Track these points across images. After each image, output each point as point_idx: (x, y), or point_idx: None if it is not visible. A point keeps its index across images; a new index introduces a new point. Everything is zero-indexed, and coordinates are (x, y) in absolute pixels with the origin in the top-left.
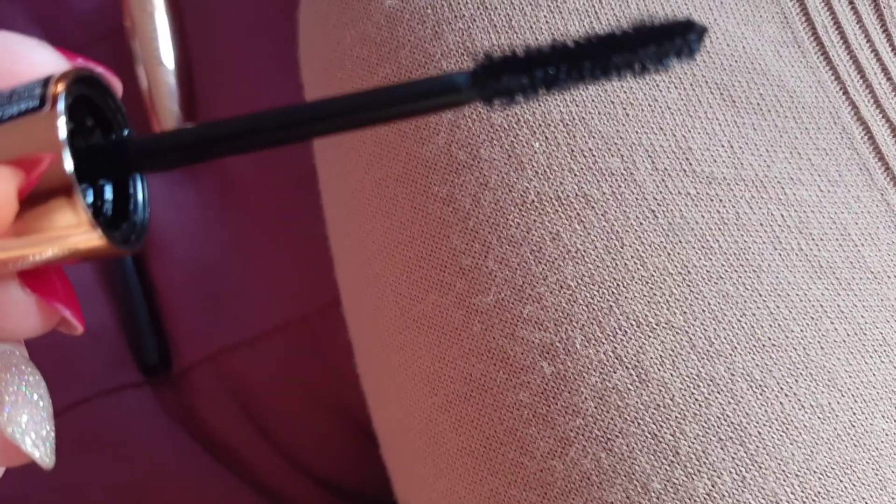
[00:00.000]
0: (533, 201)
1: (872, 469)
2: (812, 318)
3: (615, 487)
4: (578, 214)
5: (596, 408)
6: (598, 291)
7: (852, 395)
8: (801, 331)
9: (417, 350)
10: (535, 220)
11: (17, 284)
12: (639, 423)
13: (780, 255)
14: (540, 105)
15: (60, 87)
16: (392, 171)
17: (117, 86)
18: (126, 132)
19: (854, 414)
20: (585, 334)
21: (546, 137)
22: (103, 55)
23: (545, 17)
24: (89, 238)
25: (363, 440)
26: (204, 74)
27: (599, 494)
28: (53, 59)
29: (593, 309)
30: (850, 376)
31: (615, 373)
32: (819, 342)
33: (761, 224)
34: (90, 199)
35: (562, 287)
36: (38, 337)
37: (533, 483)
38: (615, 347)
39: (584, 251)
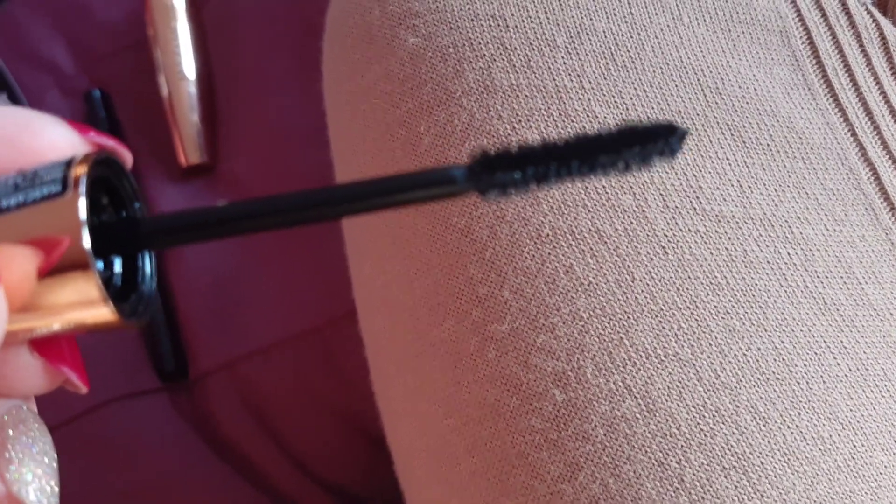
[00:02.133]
0: (548, 235)
1: (871, 500)
2: (815, 353)
3: None
4: (591, 249)
5: (605, 435)
6: (609, 323)
7: (853, 429)
8: (805, 365)
9: (433, 374)
10: (549, 254)
11: (27, 349)
12: (646, 451)
13: (785, 291)
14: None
15: (81, 172)
16: None
17: (129, 159)
18: (137, 207)
19: (854, 446)
20: (596, 364)
21: None
22: (126, 65)
23: (563, 58)
24: (101, 313)
25: (373, 449)
26: (224, 87)
27: None
28: (68, 135)
29: (604, 340)
30: (851, 410)
31: (624, 402)
32: (822, 376)
33: (768, 262)
34: (100, 270)
35: (574, 318)
36: None
37: None
38: (625, 378)
39: (597, 284)
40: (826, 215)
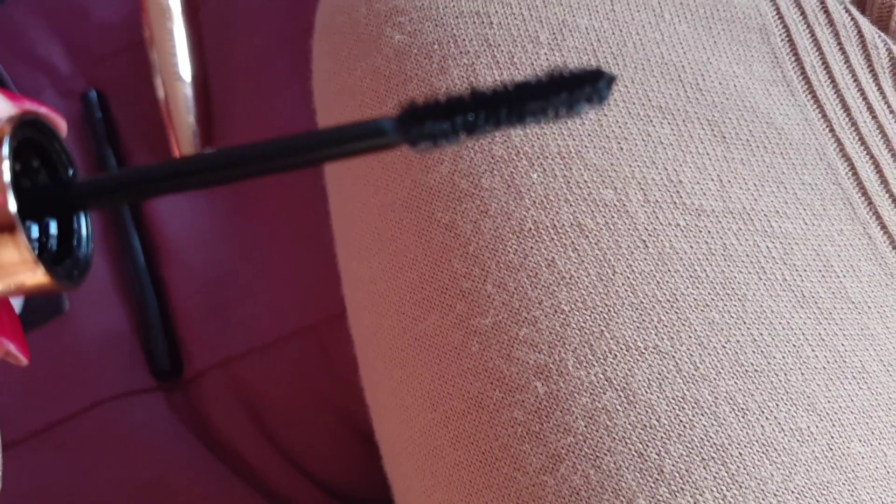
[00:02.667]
0: (530, 229)
1: (848, 490)
2: (794, 345)
3: (603, 503)
4: (573, 243)
5: (586, 427)
6: (590, 316)
7: (831, 420)
8: (783, 357)
9: (418, 368)
10: (531, 248)
11: None
12: (626, 443)
13: (764, 284)
14: (538, 138)
15: (5, 132)
16: (398, 196)
17: (62, 126)
18: (70, 172)
19: (832, 437)
20: (577, 357)
21: (544, 169)
22: (122, 67)
23: (545, 54)
24: (34, 275)
25: (368, 448)
26: (221, 89)
27: None
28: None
29: (585, 333)
30: (828, 401)
31: (605, 394)
32: (800, 368)
33: (747, 255)
34: (35, 234)
35: (556, 311)
36: (55, 340)
37: (525, 497)
38: (605, 370)
39: (578, 278)
40: (804, 209)
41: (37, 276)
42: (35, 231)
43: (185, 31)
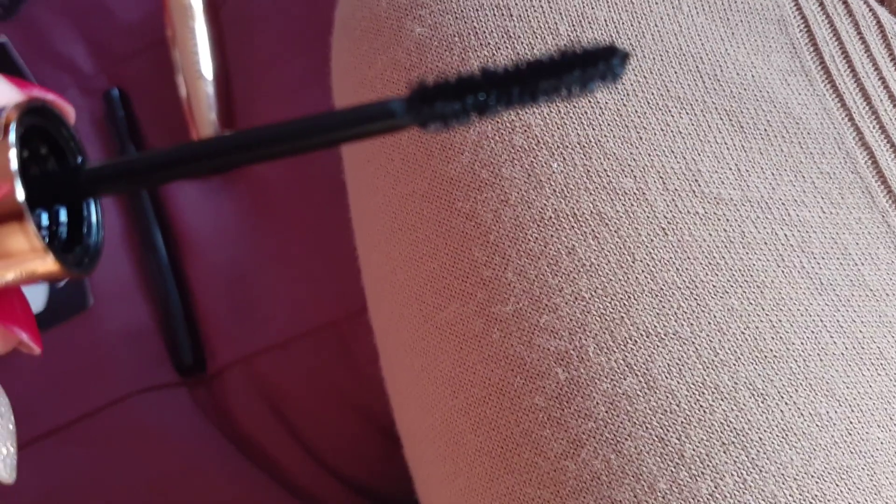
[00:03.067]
0: (551, 218)
1: (867, 475)
2: (812, 331)
3: (623, 487)
4: (593, 231)
5: (607, 412)
6: (610, 303)
7: (849, 405)
8: (802, 343)
9: (439, 355)
10: (552, 236)
11: None
12: (647, 427)
13: (782, 272)
14: (558, 128)
15: (12, 119)
16: (418, 187)
17: (70, 113)
18: (79, 159)
19: (851, 423)
20: (598, 343)
21: (564, 158)
22: (144, 66)
23: (565, 46)
24: (43, 262)
25: (388, 443)
26: (241, 86)
27: (609, 493)
28: (6, 90)
29: (606, 319)
30: (847, 387)
31: (625, 379)
32: (818, 354)
33: (765, 243)
34: (45, 222)
35: (576, 298)
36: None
37: (546, 482)
38: (626, 356)
39: (598, 265)
40: (822, 198)
41: (47, 264)
42: (45, 219)
43: (206, 30)
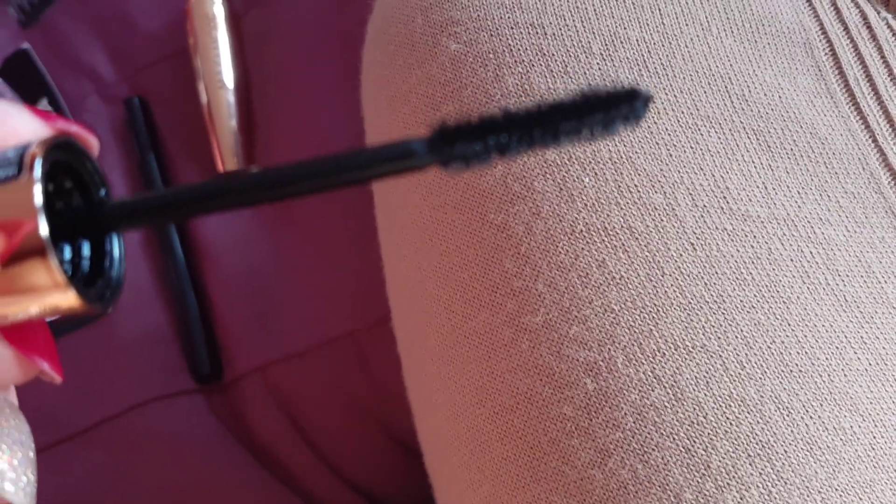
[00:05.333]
0: (581, 231)
1: (891, 489)
2: (837, 347)
3: (650, 497)
4: (623, 244)
5: (634, 423)
6: (639, 316)
7: (873, 420)
8: (827, 359)
9: (467, 364)
10: (582, 249)
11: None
12: (674, 438)
13: (808, 288)
14: (591, 144)
15: (37, 155)
16: (450, 198)
17: (94, 145)
18: (102, 192)
19: (874, 437)
20: (627, 355)
21: (595, 173)
22: (165, 74)
23: (598, 64)
24: (65, 297)
25: (404, 454)
26: (262, 96)
27: (635, 503)
28: (32, 123)
29: (635, 331)
30: (871, 402)
31: (653, 391)
32: (843, 370)
33: (791, 259)
34: (68, 256)
35: (606, 310)
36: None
37: (573, 491)
38: (654, 368)
39: (628, 278)
40: (847, 217)
41: (69, 299)
42: (68, 252)
43: (228, 40)
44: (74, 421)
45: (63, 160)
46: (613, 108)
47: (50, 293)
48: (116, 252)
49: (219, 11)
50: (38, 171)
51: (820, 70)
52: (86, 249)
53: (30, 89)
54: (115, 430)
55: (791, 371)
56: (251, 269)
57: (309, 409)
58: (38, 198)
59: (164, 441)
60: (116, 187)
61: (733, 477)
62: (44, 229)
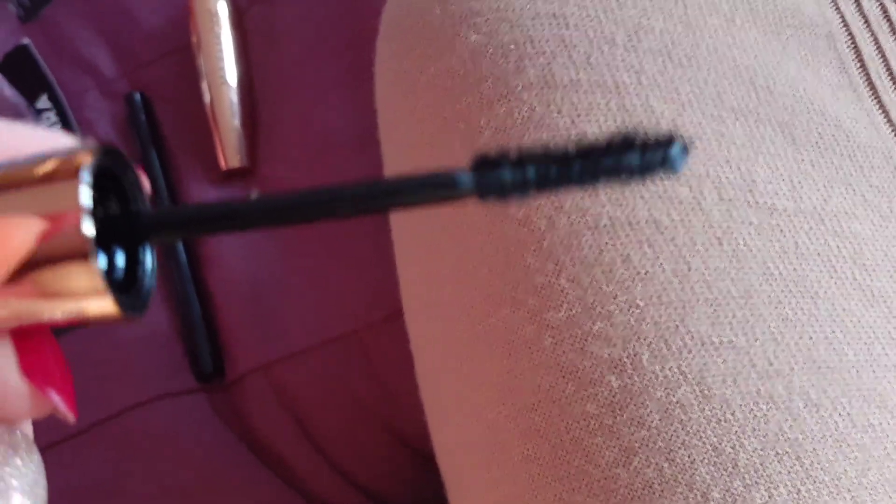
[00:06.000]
0: (605, 225)
1: None
2: (865, 343)
3: (676, 496)
4: (648, 239)
5: (660, 420)
6: (665, 311)
7: None
8: (855, 354)
9: (487, 362)
10: (607, 243)
11: (15, 371)
12: (700, 436)
13: (835, 283)
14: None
15: (87, 157)
16: None
17: (135, 162)
18: (142, 204)
19: None
20: (652, 351)
21: None
22: (167, 71)
23: (621, 55)
24: (101, 303)
25: (408, 454)
26: (265, 93)
27: (661, 502)
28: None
29: (660, 328)
30: None
31: (679, 388)
32: (871, 366)
33: (818, 254)
34: (104, 264)
35: (631, 306)
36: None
37: (597, 490)
38: (680, 364)
39: (653, 273)
40: (872, 211)
41: (104, 305)
42: (104, 260)
43: (231, 36)
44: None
45: (108, 167)
46: (652, 154)
47: (87, 297)
48: (149, 263)
49: (222, 7)
50: (87, 175)
51: (843, 63)
52: (120, 258)
53: (30, 85)
54: (117, 430)
55: (819, 367)
56: (254, 267)
57: (312, 409)
58: (86, 199)
59: (165, 441)
60: None
61: (761, 475)
62: (88, 229)
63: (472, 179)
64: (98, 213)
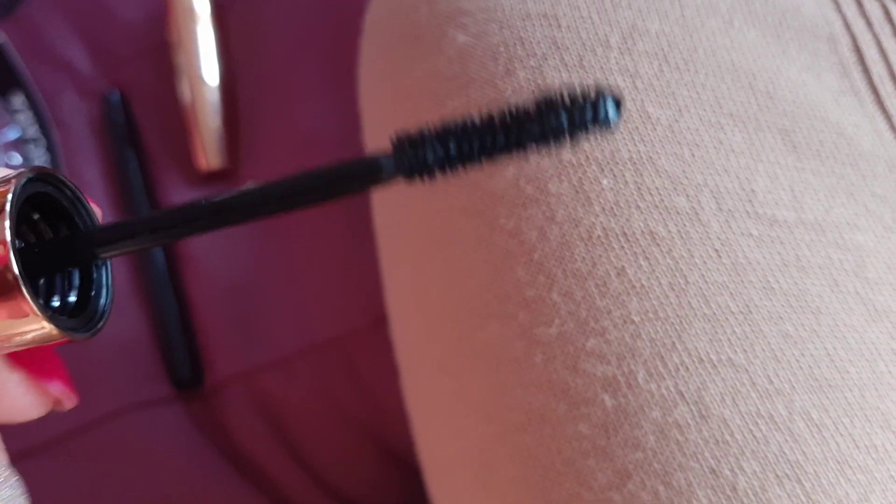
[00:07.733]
0: (599, 236)
1: None
2: (868, 360)
3: None
4: (644, 251)
5: (656, 442)
6: (661, 327)
7: None
8: (858, 372)
9: (474, 378)
10: (600, 255)
11: (7, 366)
12: (698, 458)
13: (837, 297)
14: (609, 143)
15: (9, 190)
16: (457, 201)
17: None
18: (88, 222)
19: None
20: (648, 369)
21: (614, 175)
22: (146, 69)
23: (616, 57)
24: (45, 330)
25: (395, 466)
26: (247, 92)
27: None
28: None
29: (656, 344)
30: None
31: (676, 408)
32: (874, 384)
33: (820, 267)
34: (58, 285)
35: (625, 322)
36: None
37: None
38: (677, 383)
39: (649, 287)
40: (876, 222)
41: (49, 331)
42: (58, 282)
43: (212, 34)
44: (46, 430)
45: (43, 193)
46: (580, 111)
47: (29, 324)
48: (103, 280)
49: (202, 5)
50: (8, 206)
51: (844, 67)
52: (76, 278)
53: (4, 84)
54: (89, 440)
55: (821, 386)
56: (233, 268)
57: (294, 418)
58: (8, 232)
59: (140, 452)
60: (94, 186)
61: (761, 499)
62: (14, 266)
63: (394, 162)
64: (36, 241)
